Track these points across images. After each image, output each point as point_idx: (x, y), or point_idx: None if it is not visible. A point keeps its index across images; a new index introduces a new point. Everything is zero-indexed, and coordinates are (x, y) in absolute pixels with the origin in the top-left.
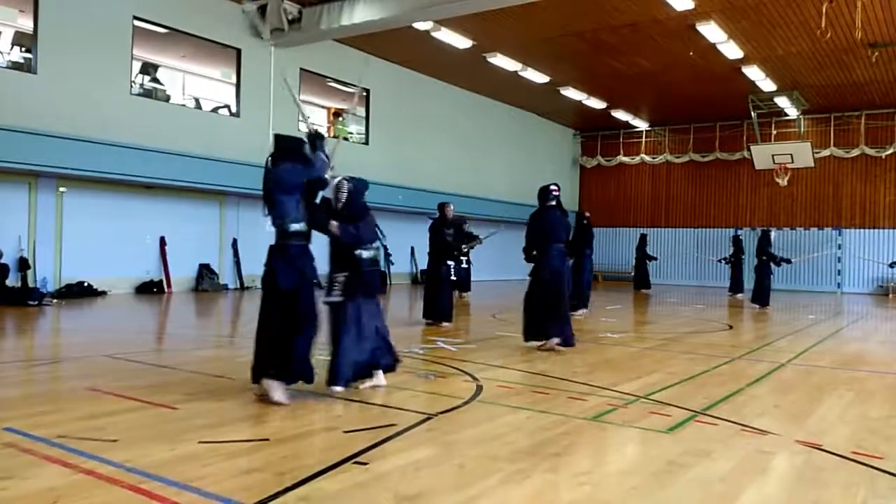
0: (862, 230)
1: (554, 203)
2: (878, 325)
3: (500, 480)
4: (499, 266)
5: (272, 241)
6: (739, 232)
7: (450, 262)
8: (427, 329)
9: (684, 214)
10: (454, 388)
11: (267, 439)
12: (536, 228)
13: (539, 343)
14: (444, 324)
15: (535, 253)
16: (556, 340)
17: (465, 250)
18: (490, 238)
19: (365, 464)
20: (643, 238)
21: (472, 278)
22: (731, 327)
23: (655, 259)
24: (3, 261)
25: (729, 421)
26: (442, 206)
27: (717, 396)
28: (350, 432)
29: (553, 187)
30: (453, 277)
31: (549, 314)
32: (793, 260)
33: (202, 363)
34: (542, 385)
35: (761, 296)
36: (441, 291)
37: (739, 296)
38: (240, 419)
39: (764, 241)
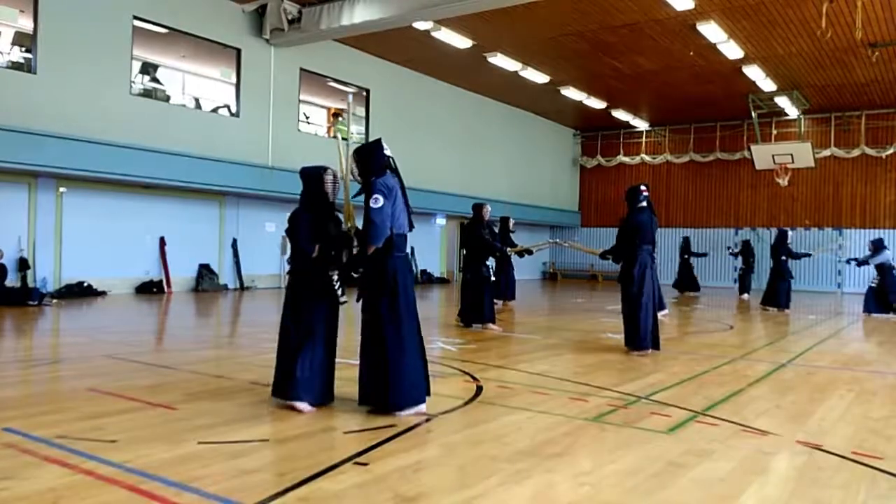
0: (862, 230)
1: (644, 204)
2: (878, 326)
3: (501, 481)
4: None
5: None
6: (742, 232)
7: (488, 263)
8: (464, 330)
9: (684, 214)
10: (454, 389)
11: (267, 440)
12: (628, 230)
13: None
14: (491, 326)
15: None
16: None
17: (510, 253)
18: (543, 248)
19: (365, 464)
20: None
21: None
22: (731, 327)
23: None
24: (2, 261)
25: (729, 421)
26: (479, 207)
27: (718, 397)
28: (350, 433)
29: (643, 188)
30: (493, 279)
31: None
32: (811, 253)
33: (202, 363)
34: (543, 386)
35: (782, 297)
36: (481, 294)
37: (745, 296)
38: (239, 419)
39: (781, 242)
